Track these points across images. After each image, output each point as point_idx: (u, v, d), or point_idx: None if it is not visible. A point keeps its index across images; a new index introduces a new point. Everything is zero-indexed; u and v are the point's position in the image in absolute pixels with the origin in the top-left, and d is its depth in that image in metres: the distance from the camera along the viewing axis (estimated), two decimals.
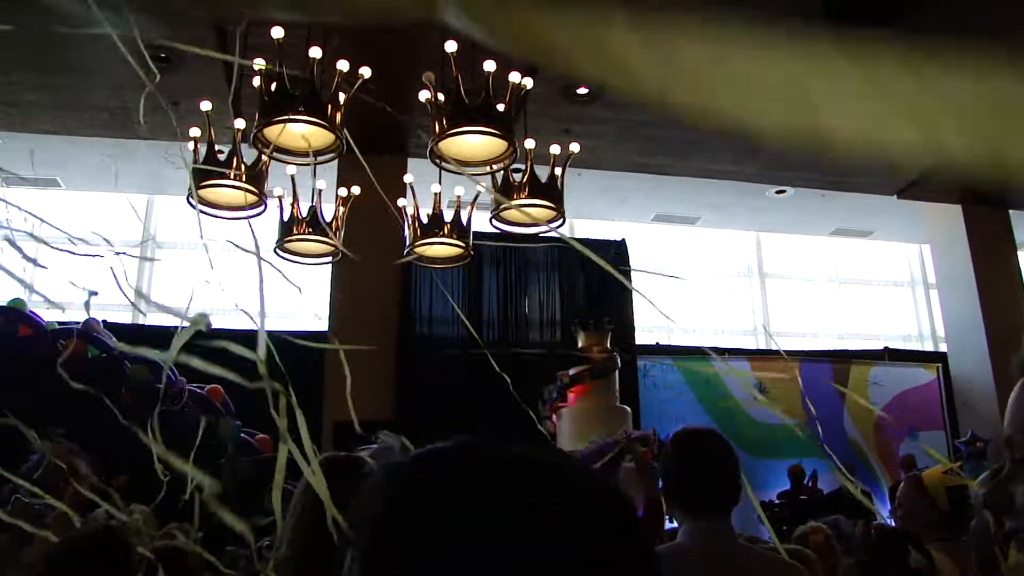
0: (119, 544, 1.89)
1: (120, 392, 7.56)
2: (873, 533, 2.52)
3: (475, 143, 4.48)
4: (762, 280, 11.92)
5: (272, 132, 4.26)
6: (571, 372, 7.39)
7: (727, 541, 2.17)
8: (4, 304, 7.72)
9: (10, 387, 7.33)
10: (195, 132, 4.82)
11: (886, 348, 11.34)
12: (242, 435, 7.74)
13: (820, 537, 3.38)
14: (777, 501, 8.98)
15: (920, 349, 11.92)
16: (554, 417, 7.40)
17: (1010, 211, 10.56)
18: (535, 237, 8.26)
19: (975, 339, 10.19)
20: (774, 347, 11.35)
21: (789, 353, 11.02)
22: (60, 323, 7.93)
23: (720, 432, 2.37)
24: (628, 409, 7.55)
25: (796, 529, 4.13)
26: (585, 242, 10.25)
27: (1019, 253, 10.65)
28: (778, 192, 10.25)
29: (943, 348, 11.27)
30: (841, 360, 10.93)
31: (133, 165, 9.43)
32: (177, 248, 10.51)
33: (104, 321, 8.08)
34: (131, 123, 8.21)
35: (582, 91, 7.76)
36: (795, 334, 11.72)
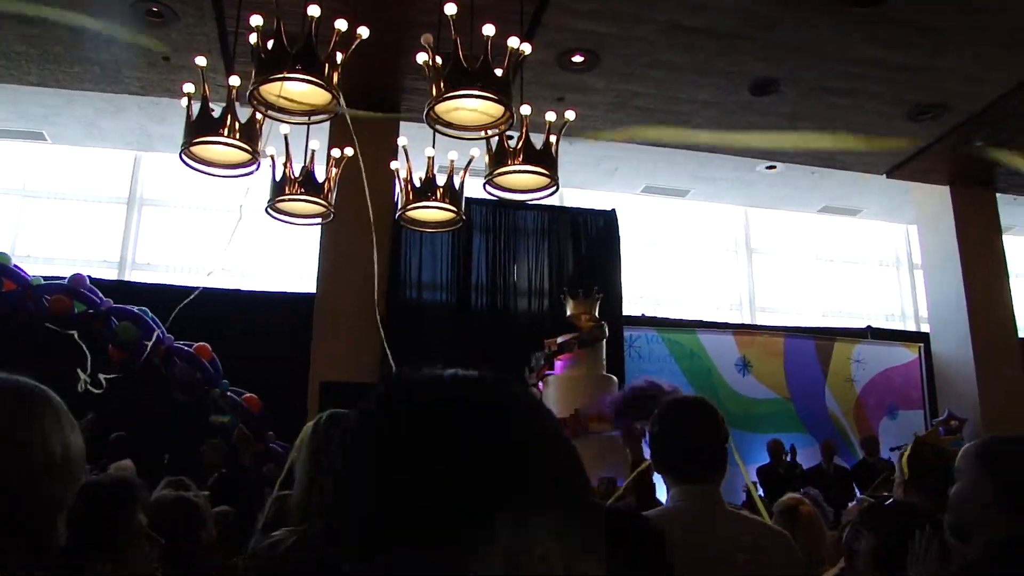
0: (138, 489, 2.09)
1: (108, 348, 7.55)
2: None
3: (472, 107, 4.45)
4: (749, 255, 11.96)
5: (272, 91, 4.22)
6: (559, 340, 7.43)
7: (715, 506, 2.19)
8: None
9: None
10: (188, 88, 4.76)
11: (868, 327, 11.44)
12: (229, 393, 7.75)
13: (809, 507, 3.43)
14: (754, 479, 9.04)
15: (903, 329, 12.03)
16: (540, 384, 7.44)
17: (997, 194, 10.62)
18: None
19: (957, 320, 10.28)
20: (759, 322, 11.42)
21: (773, 329, 11.09)
22: (45, 278, 7.85)
23: (709, 400, 2.40)
24: (614, 378, 7.60)
25: (776, 502, 4.18)
26: (576, 212, 10.24)
27: (1004, 236, 10.72)
28: (768, 167, 10.25)
29: (925, 328, 11.37)
30: (824, 337, 11.02)
31: (122, 121, 9.32)
32: (164, 206, 10.43)
33: (89, 277, 8.01)
34: (122, 77, 8.10)
35: (578, 59, 7.70)
36: (780, 310, 11.79)
